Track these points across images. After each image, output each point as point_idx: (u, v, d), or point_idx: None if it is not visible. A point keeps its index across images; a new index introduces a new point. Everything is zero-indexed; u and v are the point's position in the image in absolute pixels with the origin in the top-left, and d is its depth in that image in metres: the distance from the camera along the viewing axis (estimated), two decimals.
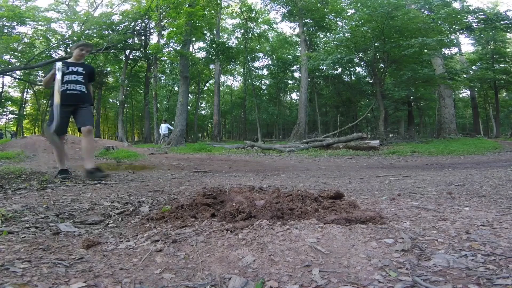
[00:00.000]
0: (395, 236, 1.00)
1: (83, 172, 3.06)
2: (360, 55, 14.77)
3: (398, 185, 2.45)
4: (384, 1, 11.84)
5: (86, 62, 3.39)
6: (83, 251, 0.94)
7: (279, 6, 20.34)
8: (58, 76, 2.90)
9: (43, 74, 24.35)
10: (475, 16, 15.00)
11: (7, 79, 24.25)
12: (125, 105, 24.44)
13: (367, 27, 12.45)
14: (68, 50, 21.07)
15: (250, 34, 23.35)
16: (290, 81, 30.36)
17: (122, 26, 19.57)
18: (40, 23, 18.44)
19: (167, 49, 18.86)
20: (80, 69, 3.16)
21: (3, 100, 24.99)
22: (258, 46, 25.92)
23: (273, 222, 1.12)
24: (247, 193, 1.61)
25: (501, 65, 19.52)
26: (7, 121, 29.37)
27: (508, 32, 16.60)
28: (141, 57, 22.76)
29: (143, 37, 21.06)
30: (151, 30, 20.63)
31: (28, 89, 27.46)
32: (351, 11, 15.96)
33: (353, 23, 13.37)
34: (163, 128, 15.56)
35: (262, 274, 0.78)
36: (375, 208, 1.42)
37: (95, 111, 29.03)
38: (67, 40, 19.78)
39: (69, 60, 3.26)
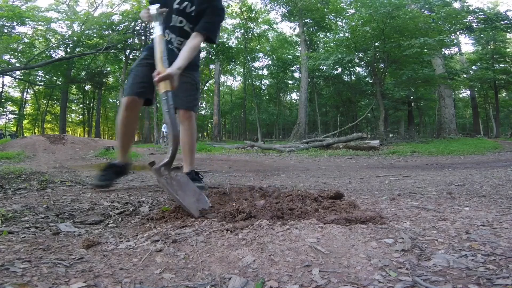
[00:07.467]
0: (395, 236, 1.00)
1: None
2: (360, 55, 14.78)
3: (398, 185, 2.45)
4: (385, 1, 11.86)
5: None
6: (83, 251, 0.94)
7: (279, 6, 20.36)
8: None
9: (43, 74, 24.35)
10: (475, 16, 15.02)
11: (7, 79, 24.26)
12: None
13: (368, 27, 12.46)
14: (68, 50, 21.09)
15: (250, 34, 23.36)
16: (290, 81, 30.36)
17: (122, 26, 19.58)
18: (40, 23, 18.44)
19: None
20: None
21: (3, 100, 24.98)
22: (258, 46, 25.90)
23: (273, 222, 1.12)
24: (247, 193, 1.61)
25: (501, 65, 19.51)
26: (7, 121, 29.36)
27: (508, 32, 16.60)
28: None
29: (143, 37, 21.09)
30: (151, 30, 20.67)
31: (28, 89, 27.44)
32: (351, 11, 15.96)
33: (354, 23, 13.38)
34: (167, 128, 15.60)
35: (262, 274, 0.78)
36: (375, 208, 1.42)
37: (94, 111, 29.02)
38: (67, 40, 19.78)
39: None
